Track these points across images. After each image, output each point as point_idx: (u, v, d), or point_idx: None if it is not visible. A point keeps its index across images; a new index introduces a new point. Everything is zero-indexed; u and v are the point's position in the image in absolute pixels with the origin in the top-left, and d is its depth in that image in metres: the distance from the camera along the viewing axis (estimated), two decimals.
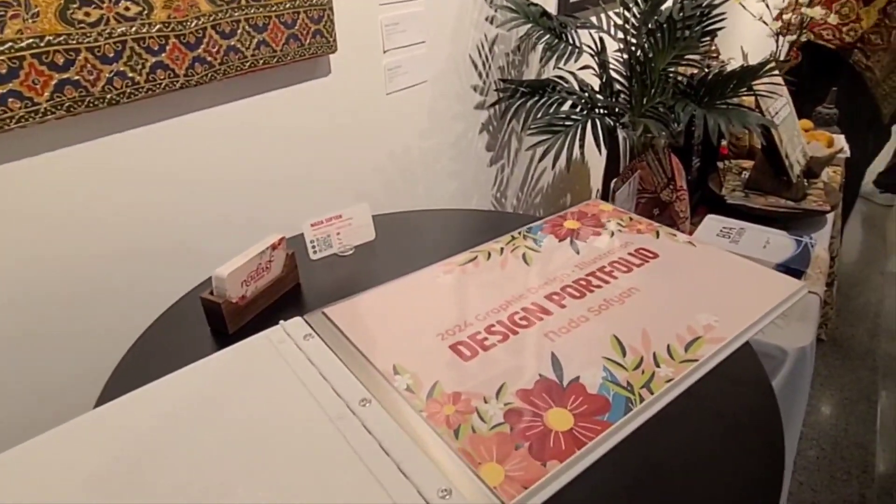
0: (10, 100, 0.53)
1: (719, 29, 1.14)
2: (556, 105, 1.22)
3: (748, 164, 1.58)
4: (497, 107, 1.31)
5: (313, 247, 0.76)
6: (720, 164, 1.61)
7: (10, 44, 0.52)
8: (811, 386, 1.84)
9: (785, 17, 1.82)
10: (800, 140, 1.52)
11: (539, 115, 1.21)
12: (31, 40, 0.53)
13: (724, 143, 1.69)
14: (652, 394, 0.50)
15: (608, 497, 0.42)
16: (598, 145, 1.15)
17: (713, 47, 1.74)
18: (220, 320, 0.61)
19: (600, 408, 0.48)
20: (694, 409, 0.50)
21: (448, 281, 0.68)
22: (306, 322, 0.61)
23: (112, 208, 0.71)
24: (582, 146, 1.14)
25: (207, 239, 0.82)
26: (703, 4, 1.09)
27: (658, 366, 0.53)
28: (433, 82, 1.13)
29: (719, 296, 0.63)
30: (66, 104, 0.58)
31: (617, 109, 1.23)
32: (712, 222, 1.36)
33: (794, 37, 1.84)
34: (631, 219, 0.80)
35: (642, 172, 1.27)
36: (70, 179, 0.66)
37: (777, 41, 1.80)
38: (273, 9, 0.75)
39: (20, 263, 0.64)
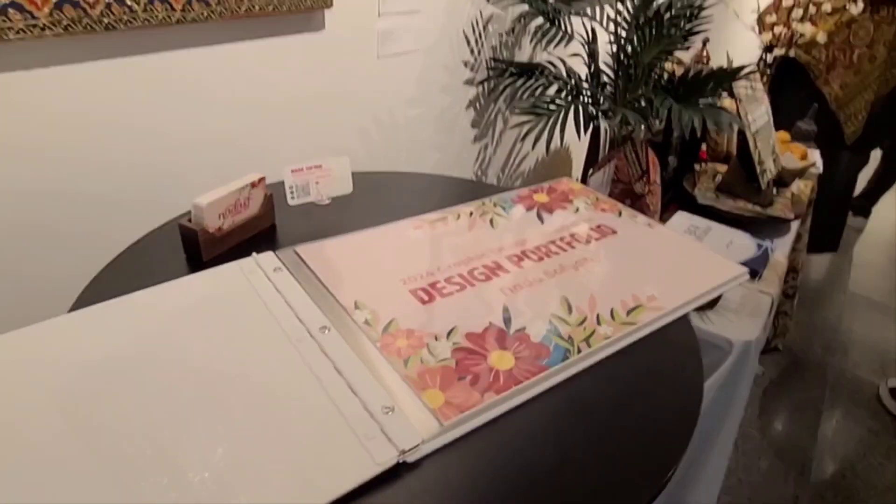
0: (11, 10, 0.55)
1: (703, 30, 1.18)
2: (542, 88, 1.26)
3: (723, 168, 1.64)
4: (485, 85, 1.34)
5: (292, 192, 0.79)
6: (697, 167, 1.66)
7: None
8: (762, 389, 1.94)
9: (776, 30, 1.87)
10: (774, 149, 1.58)
11: (525, 97, 1.25)
12: None
13: (703, 147, 1.74)
14: (590, 347, 0.54)
15: (539, 427, 0.47)
16: (577, 131, 1.18)
17: (704, 53, 1.79)
18: (196, 248, 0.64)
19: (541, 354, 0.53)
20: (627, 365, 0.55)
21: (417, 235, 0.71)
22: (278, 257, 0.64)
23: (101, 126, 0.73)
24: (563, 130, 1.17)
25: (191, 170, 0.85)
26: (694, 5, 1.13)
27: (599, 325, 0.57)
28: (425, 52, 1.16)
29: (666, 272, 0.67)
30: (64, 22, 0.59)
31: (600, 99, 1.27)
32: (681, 218, 1.41)
33: (783, 50, 1.89)
34: (597, 199, 0.85)
35: (619, 163, 1.32)
36: (62, 96, 0.68)
37: (765, 53, 1.86)
38: None
39: (14, 162, 0.66)
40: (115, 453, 0.40)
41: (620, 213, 0.80)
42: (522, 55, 1.44)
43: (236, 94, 0.87)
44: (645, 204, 1.31)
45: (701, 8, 1.15)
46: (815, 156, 1.87)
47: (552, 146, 1.71)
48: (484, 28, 1.29)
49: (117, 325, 0.53)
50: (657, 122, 1.13)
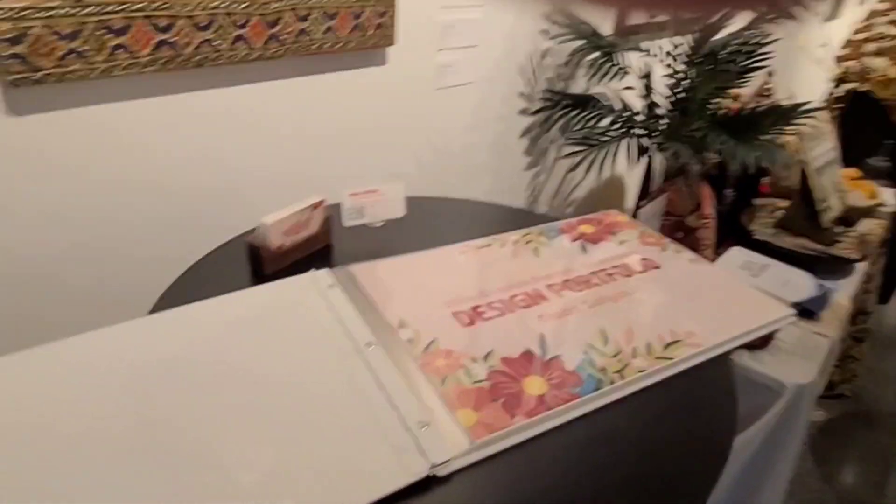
0: (119, 51, 0.63)
1: (762, 66, 1.17)
2: (595, 120, 1.28)
3: (784, 203, 1.60)
4: (539, 115, 1.38)
5: (348, 214, 0.84)
6: (756, 201, 1.62)
7: (126, 5, 0.62)
8: (824, 437, 1.83)
9: (847, 63, 1.81)
10: (840, 187, 1.53)
11: (579, 128, 1.27)
12: (142, 3, 0.64)
13: (765, 181, 1.70)
14: (623, 379, 0.56)
15: (566, 453, 0.49)
16: (629, 163, 1.19)
17: (767, 86, 1.75)
18: (259, 262, 0.70)
19: (573, 382, 0.55)
20: (660, 399, 0.56)
21: (462, 260, 0.75)
22: (332, 274, 0.69)
23: (187, 150, 0.82)
24: (614, 161, 1.19)
25: (258, 190, 0.92)
26: (751, 42, 1.13)
27: (634, 357, 0.58)
28: (481, 84, 1.21)
29: (707, 309, 0.68)
30: (162, 60, 0.68)
31: (653, 132, 1.28)
32: (737, 254, 1.38)
33: (855, 85, 1.83)
34: (643, 232, 0.86)
35: (671, 195, 1.31)
36: (157, 121, 0.77)
37: (834, 87, 1.80)
38: (344, 0, 0.84)
39: (109, 185, 0.75)
40: (174, 447, 0.46)
41: (665, 248, 0.81)
42: (577, 87, 1.46)
43: (303, 123, 0.95)
44: (697, 238, 1.30)
45: (760, 45, 1.15)
46: (888, 194, 1.78)
47: (604, 176, 1.71)
48: (540, 61, 1.33)
49: (185, 329, 0.59)
50: (708, 154, 1.13)
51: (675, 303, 0.69)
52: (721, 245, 1.50)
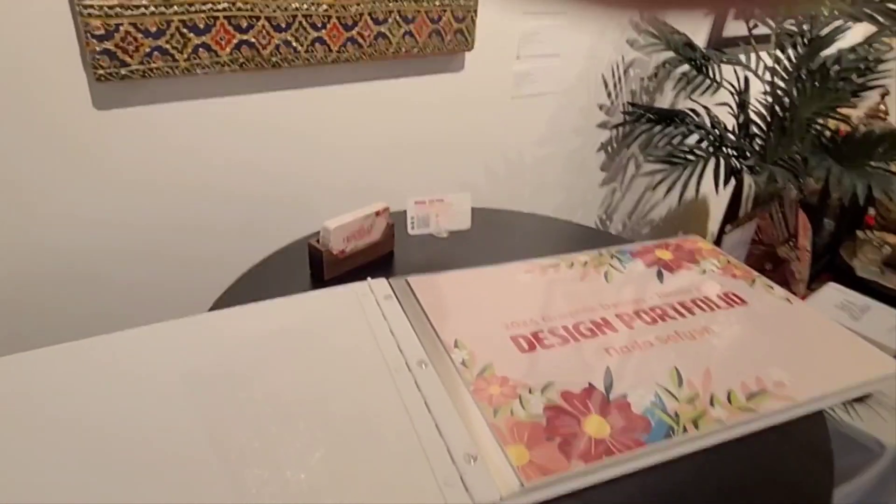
0: (201, 50, 0.65)
1: (879, 85, 1.05)
2: (681, 137, 1.19)
3: (894, 239, 1.43)
4: (620, 129, 1.31)
5: (412, 223, 0.82)
6: (860, 234, 1.47)
7: (210, 5, 0.63)
8: None
9: None
10: None
11: (662, 144, 1.19)
12: (226, 4, 0.65)
13: (871, 212, 1.53)
14: (697, 429, 0.50)
15: None
16: (716, 184, 1.11)
17: (881, 106, 1.59)
18: (320, 267, 0.70)
19: (640, 427, 0.49)
20: (739, 458, 0.49)
21: (526, 279, 0.71)
22: (390, 285, 0.67)
23: (255, 152, 0.83)
24: (699, 182, 1.10)
25: (325, 195, 0.93)
26: (869, 58, 1.01)
27: (712, 405, 0.52)
28: (560, 94, 1.16)
29: (802, 356, 0.60)
30: (241, 60, 0.69)
31: (746, 152, 1.18)
32: (833, 292, 1.25)
33: None
34: (728, 262, 0.78)
35: (762, 222, 1.21)
36: (233, 121, 0.78)
37: None
38: (423, 4, 0.83)
39: (173, 186, 0.77)
40: (227, 444, 0.45)
41: (754, 282, 0.73)
42: (663, 101, 1.38)
43: (375, 128, 0.94)
44: (789, 271, 1.18)
45: (879, 61, 1.03)
46: None
47: (686, 198, 1.61)
48: (624, 72, 1.26)
49: (236, 331, 0.58)
50: (813, 181, 1.02)
51: (762, 346, 0.61)
52: (815, 281, 1.37)
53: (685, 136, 1.20)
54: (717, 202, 1.77)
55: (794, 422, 0.53)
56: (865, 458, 0.93)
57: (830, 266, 1.43)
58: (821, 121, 1.13)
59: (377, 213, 0.73)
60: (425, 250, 0.81)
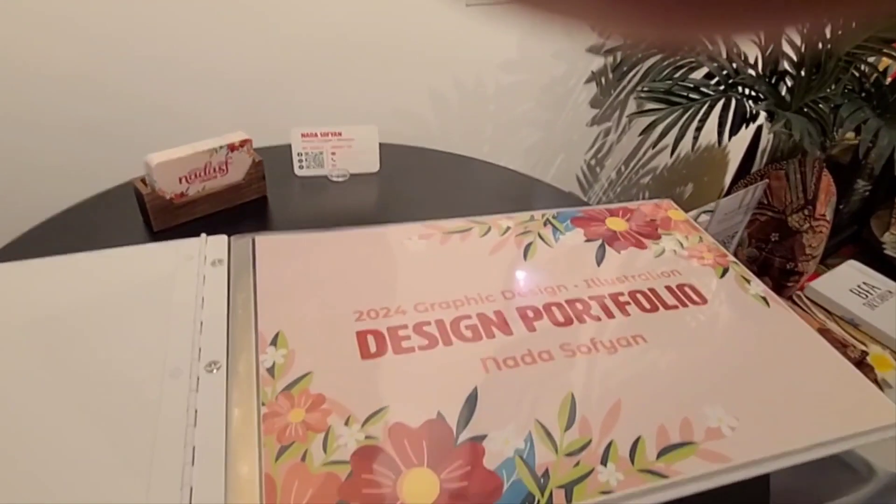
0: None
1: None
2: (687, 70, 0.96)
3: None
4: (616, 55, 1.07)
5: (300, 160, 0.65)
6: None
7: None
8: None
9: None
10: None
11: (661, 77, 0.97)
12: None
13: None
14: (568, 502, 0.34)
15: None
16: (720, 133, 0.89)
17: None
18: (146, 214, 0.53)
19: (486, 492, 0.34)
20: None
21: (416, 248, 0.54)
22: (229, 244, 0.51)
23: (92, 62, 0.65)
24: (699, 130, 0.89)
25: (193, 120, 0.75)
26: None
27: (605, 464, 0.36)
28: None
29: (762, 390, 0.43)
30: None
31: (762, 95, 0.95)
32: (851, 271, 1.05)
33: None
34: (700, 240, 0.59)
35: (774, 183, 0.99)
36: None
37: None
38: None
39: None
40: None
41: (725, 272, 0.55)
42: None
43: (279, 20, 0.74)
44: (799, 244, 0.98)
45: None
46: None
47: (686, 150, 1.38)
48: None
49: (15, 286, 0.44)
50: (836, 133, 0.80)
51: (708, 369, 0.44)
52: (833, 255, 1.16)
53: (693, 70, 0.97)
54: (732, 158, 1.53)
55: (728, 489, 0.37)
56: (852, 483, 0.77)
57: (856, 238, 1.21)
58: (868, 59, 0.88)
59: (231, 147, 0.56)
60: (313, 197, 0.64)
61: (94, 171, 0.62)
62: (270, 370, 0.40)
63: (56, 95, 0.63)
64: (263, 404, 0.37)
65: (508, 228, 0.58)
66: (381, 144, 0.74)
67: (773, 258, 0.98)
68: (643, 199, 1.53)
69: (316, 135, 0.64)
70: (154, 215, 0.53)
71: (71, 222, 0.55)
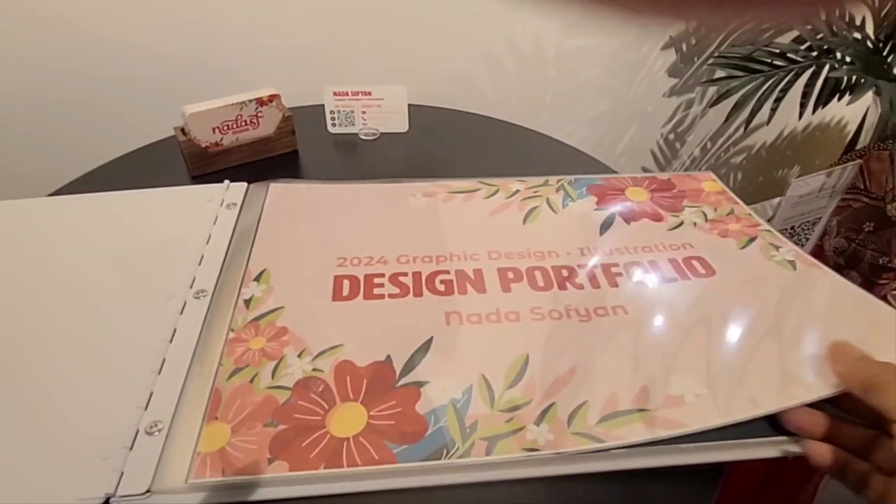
0: None
1: None
2: (773, 33, 0.86)
3: None
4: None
5: (332, 118, 0.68)
6: None
7: None
8: None
9: None
10: None
11: (742, 42, 0.87)
12: None
13: None
14: (486, 455, 0.34)
15: None
16: (802, 106, 0.79)
17: None
18: (184, 159, 0.59)
19: (409, 434, 0.35)
20: None
21: (416, 205, 0.55)
22: (246, 191, 0.56)
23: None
24: (778, 100, 0.79)
25: (254, 73, 0.80)
26: None
27: (538, 424, 0.35)
28: None
29: (753, 357, 0.39)
30: None
31: (863, 63, 0.82)
32: None
33: None
34: (732, 211, 0.54)
35: (875, 165, 0.86)
36: None
37: None
38: None
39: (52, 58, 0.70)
40: None
41: (750, 241, 0.50)
42: None
43: None
44: None
45: None
46: None
47: (792, 126, 1.23)
48: None
49: (54, 218, 0.51)
50: None
51: (694, 337, 0.41)
52: None
53: (780, 33, 0.86)
54: (835, 137, 1.34)
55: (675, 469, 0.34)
56: None
57: None
58: None
59: (260, 102, 0.60)
60: (342, 153, 0.67)
61: (147, 124, 0.70)
62: (247, 302, 0.44)
63: (110, 56, 0.71)
64: (232, 330, 0.41)
65: (517, 192, 0.57)
66: (421, 106, 0.75)
67: (864, 251, 0.86)
68: (734, 180, 1.40)
69: (347, 94, 0.66)
70: (190, 161, 0.59)
71: (123, 166, 0.62)
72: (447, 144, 0.69)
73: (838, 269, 0.96)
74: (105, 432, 0.34)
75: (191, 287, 0.45)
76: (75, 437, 0.34)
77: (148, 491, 0.32)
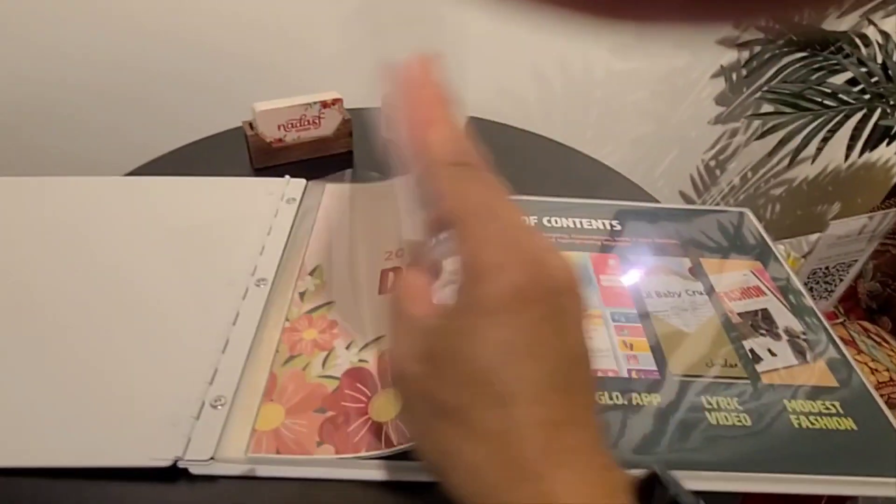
0: None
1: None
2: (826, 73, 0.86)
3: None
4: (751, 49, 0.98)
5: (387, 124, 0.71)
6: None
7: None
8: None
9: None
10: None
11: (794, 79, 0.88)
12: None
13: None
14: None
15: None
16: (849, 148, 0.79)
17: None
18: (249, 153, 0.64)
19: None
20: None
21: None
22: (305, 187, 0.59)
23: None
24: (825, 139, 0.80)
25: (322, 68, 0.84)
26: None
27: None
28: None
29: None
30: None
31: None
32: None
33: None
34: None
35: None
36: None
37: None
38: None
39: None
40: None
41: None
42: (830, 20, 1.00)
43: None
44: None
45: None
46: None
47: (836, 163, 1.22)
48: None
49: (120, 199, 0.56)
50: None
51: None
52: None
53: (833, 73, 0.86)
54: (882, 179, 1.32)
55: None
56: None
57: None
58: None
59: (324, 104, 0.64)
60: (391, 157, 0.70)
61: (215, 118, 0.75)
62: (302, 295, 0.47)
63: (182, 56, 0.76)
64: (287, 320, 0.45)
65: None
66: (470, 119, 0.78)
67: None
68: (772, 212, 1.40)
69: None
70: (255, 154, 0.63)
71: (189, 154, 0.67)
72: (490, 156, 0.72)
73: (870, 312, 0.95)
74: (175, 402, 0.38)
75: (252, 275, 0.48)
76: (149, 406, 0.38)
77: (212, 458, 0.35)
